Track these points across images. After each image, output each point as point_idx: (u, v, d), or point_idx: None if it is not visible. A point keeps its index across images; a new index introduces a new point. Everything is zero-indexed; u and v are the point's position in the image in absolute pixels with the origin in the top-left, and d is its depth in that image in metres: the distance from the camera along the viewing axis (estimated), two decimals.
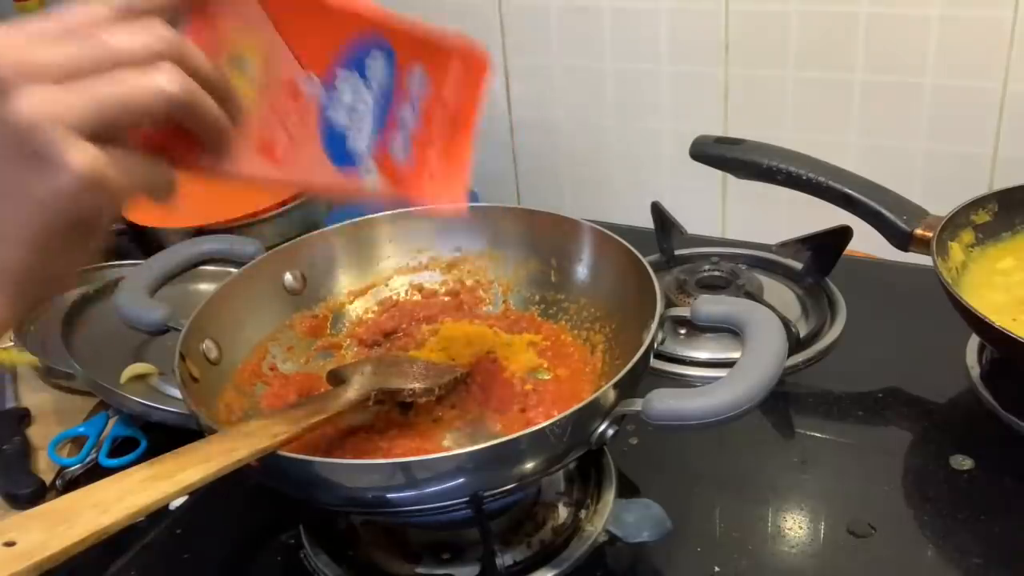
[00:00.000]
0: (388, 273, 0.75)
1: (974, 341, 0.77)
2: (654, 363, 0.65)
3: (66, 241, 0.41)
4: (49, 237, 0.40)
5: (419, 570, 0.61)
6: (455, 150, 0.55)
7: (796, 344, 0.78)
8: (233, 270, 0.70)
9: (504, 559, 0.60)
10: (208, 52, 0.41)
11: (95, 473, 0.75)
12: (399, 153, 0.52)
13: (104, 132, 0.39)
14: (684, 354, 0.80)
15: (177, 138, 0.42)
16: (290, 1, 0.45)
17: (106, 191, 0.39)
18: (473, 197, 1.08)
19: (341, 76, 0.48)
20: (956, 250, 0.76)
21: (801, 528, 0.63)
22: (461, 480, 0.50)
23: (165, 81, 0.39)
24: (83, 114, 0.38)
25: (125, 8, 0.40)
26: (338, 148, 0.49)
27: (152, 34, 0.39)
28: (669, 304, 0.82)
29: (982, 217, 0.78)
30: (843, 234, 0.84)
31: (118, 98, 0.38)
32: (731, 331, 0.57)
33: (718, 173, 0.92)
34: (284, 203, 1.09)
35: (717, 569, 0.60)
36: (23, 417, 0.82)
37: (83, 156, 0.38)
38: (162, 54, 0.39)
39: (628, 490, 0.66)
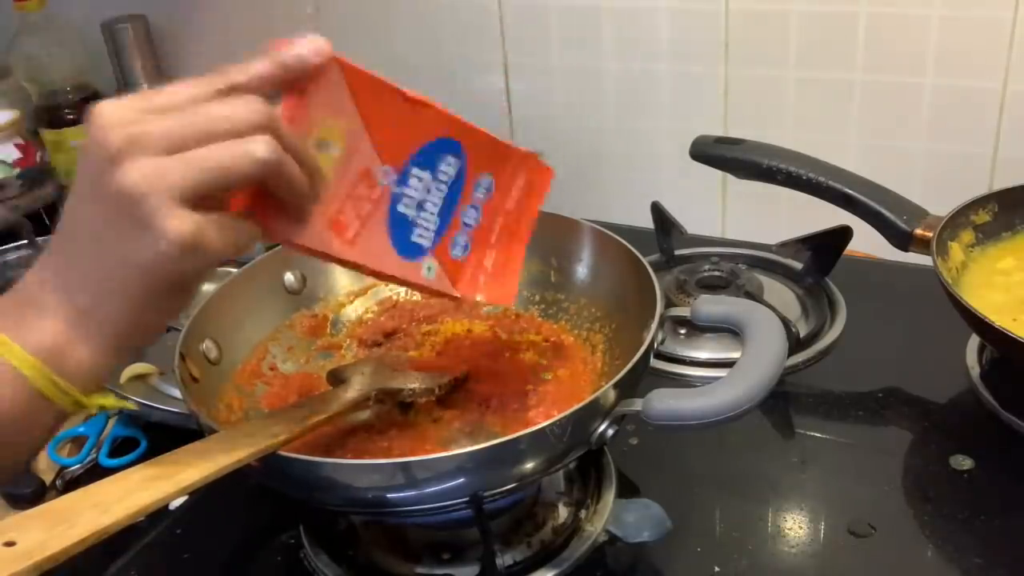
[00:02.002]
0: None
1: (974, 341, 0.77)
2: (654, 363, 0.65)
3: (160, 300, 0.45)
4: (150, 296, 0.44)
5: (419, 570, 0.61)
6: (509, 256, 0.60)
7: (796, 344, 0.78)
8: (233, 270, 0.70)
9: (504, 559, 0.60)
10: (297, 132, 0.45)
11: (95, 473, 0.75)
12: (458, 252, 0.57)
13: (204, 197, 0.42)
14: (684, 354, 0.80)
15: (263, 203, 0.45)
16: (379, 95, 0.49)
17: (203, 254, 0.42)
18: None
19: (415, 172, 0.52)
20: (956, 250, 0.76)
21: (801, 528, 0.63)
22: (461, 480, 0.50)
23: (262, 149, 0.42)
24: (185, 183, 0.41)
25: (227, 85, 0.44)
26: (403, 239, 0.53)
27: (250, 108, 0.43)
28: (669, 304, 0.82)
29: (982, 217, 0.78)
30: (843, 234, 0.84)
31: (218, 166, 0.42)
32: (731, 331, 0.57)
33: (718, 173, 0.92)
34: None
35: (717, 569, 0.60)
36: None
37: (183, 224, 0.41)
38: (259, 126, 0.42)
39: (628, 490, 0.66)
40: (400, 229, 0.53)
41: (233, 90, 0.44)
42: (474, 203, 0.57)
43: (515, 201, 0.59)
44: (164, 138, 0.41)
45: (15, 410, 0.44)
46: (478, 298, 0.59)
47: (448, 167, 0.54)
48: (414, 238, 0.54)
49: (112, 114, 0.42)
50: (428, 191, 0.53)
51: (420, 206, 0.53)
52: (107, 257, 0.43)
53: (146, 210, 0.41)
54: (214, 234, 0.42)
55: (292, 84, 0.45)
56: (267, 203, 0.45)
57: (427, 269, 0.55)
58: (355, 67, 0.47)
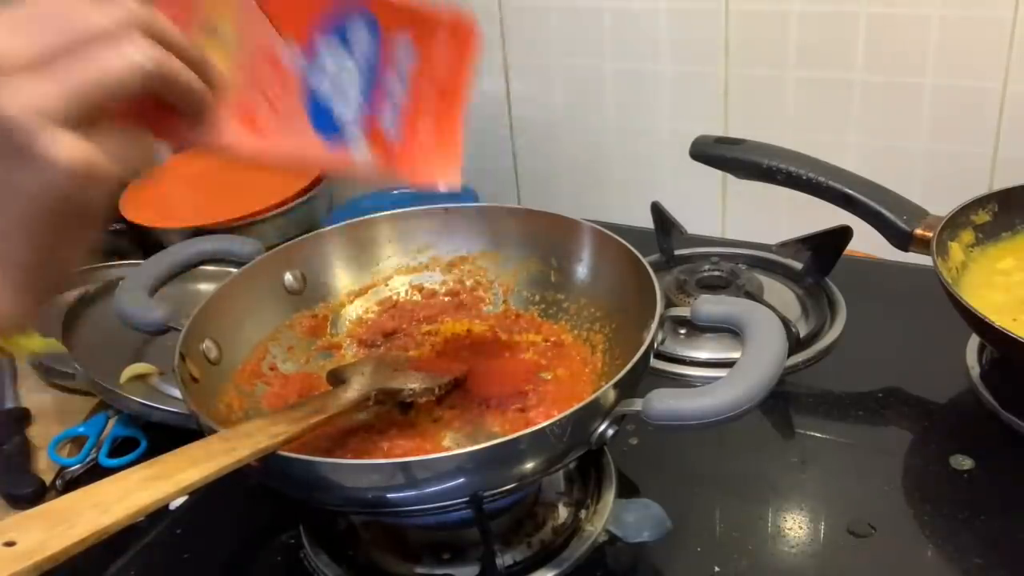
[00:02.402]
0: (388, 273, 0.75)
1: (974, 341, 0.77)
2: (654, 363, 0.65)
3: (64, 231, 0.41)
4: (46, 229, 0.40)
5: (419, 570, 0.61)
6: (446, 123, 0.53)
7: (796, 344, 0.78)
8: (233, 270, 0.70)
9: (504, 559, 0.60)
10: (179, 22, 0.41)
11: (95, 473, 0.75)
12: (388, 125, 0.51)
13: (85, 115, 0.38)
14: (684, 354, 0.80)
15: (157, 110, 0.41)
16: None
17: (95, 177, 0.39)
18: (473, 197, 1.08)
19: (322, 44, 0.47)
20: (956, 250, 0.76)
21: (801, 528, 0.63)
22: (461, 480, 0.50)
23: (137, 54, 0.39)
24: (61, 102, 0.37)
25: None
26: (324, 119, 0.48)
27: (120, 8, 0.39)
28: (669, 304, 0.82)
29: (982, 217, 0.78)
30: (843, 234, 0.84)
31: (93, 78, 0.38)
32: (731, 331, 0.57)
33: (718, 173, 0.92)
34: (284, 203, 1.10)
35: (717, 569, 0.60)
36: (23, 417, 0.82)
37: (67, 147, 0.37)
38: (131, 27, 0.39)
39: (628, 490, 0.66)
40: (320, 111, 0.48)
41: None
42: (398, 73, 0.51)
43: (442, 61, 0.52)
44: (29, 56, 0.37)
45: None
46: (418, 175, 0.53)
47: (361, 36, 0.48)
48: (336, 117, 0.48)
49: None
50: (340, 61, 0.48)
51: (336, 80, 0.48)
52: None
53: (24, 138, 0.37)
54: (102, 155, 0.38)
55: None
56: (163, 108, 0.41)
57: (356, 149, 0.50)
58: None
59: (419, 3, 0.51)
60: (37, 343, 0.46)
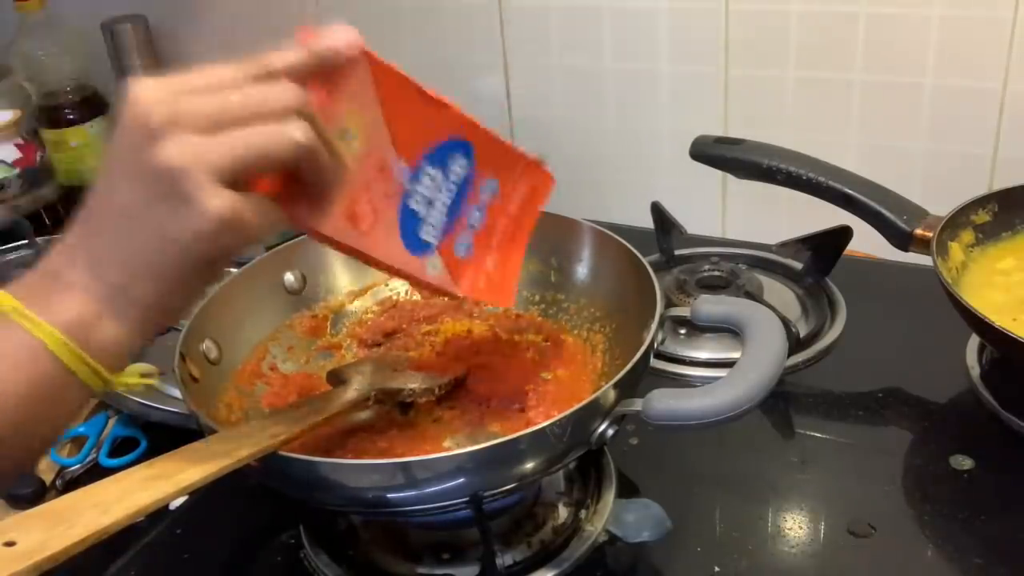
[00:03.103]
0: None
1: (974, 341, 0.77)
2: (654, 363, 0.65)
3: (193, 279, 0.45)
4: (183, 274, 0.44)
5: (419, 570, 0.61)
6: (509, 258, 0.61)
7: (796, 344, 0.78)
8: (233, 270, 0.70)
9: (504, 559, 0.60)
10: (325, 121, 0.45)
11: (95, 473, 0.75)
12: (462, 252, 0.57)
13: (241, 178, 0.42)
14: (684, 354, 0.80)
15: (287, 189, 0.45)
16: (401, 91, 0.49)
17: (239, 232, 0.42)
18: None
19: (427, 170, 0.53)
20: (956, 250, 0.76)
21: (801, 528, 0.63)
22: (461, 480, 0.50)
23: (299, 133, 0.43)
24: (223, 161, 0.42)
25: (262, 69, 0.44)
26: (411, 235, 0.53)
27: (287, 92, 0.43)
28: (669, 304, 0.82)
29: (982, 217, 0.78)
30: (843, 234, 0.84)
31: (258, 145, 0.42)
32: (731, 331, 0.57)
33: (718, 173, 0.92)
34: None
35: (717, 569, 0.60)
36: None
37: (222, 200, 0.41)
38: (295, 111, 0.43)
39: (628, 490, 0.66)
40: (410, 224, 0.53)
41: (268, 75, 0.44)
42: (479, 204, 0.57)
43: (517, 205, 0.60)
44: (204, 117, 0.42)
45: (42, 387, 0.44)
46: (479, 298, 0.59)
47: (459, 167, 0.55)
48: (422, 235, 0.54)
49: (152, 92, 0.42)
50: (439, 189, 0.54)
51: (430, 203, 0.54)
52: (142, 234, 0.43)
53: (186, 186, 0.41)
54: (250, 213, 0.42)
55: (322, 74, 0.45)
56: (291, 189, 0.45)
57: (432, 266, 0.55)
58: (381, 61, 0.48)
59: (514, 150, 0.58)
60: (135, 379, 0.48)
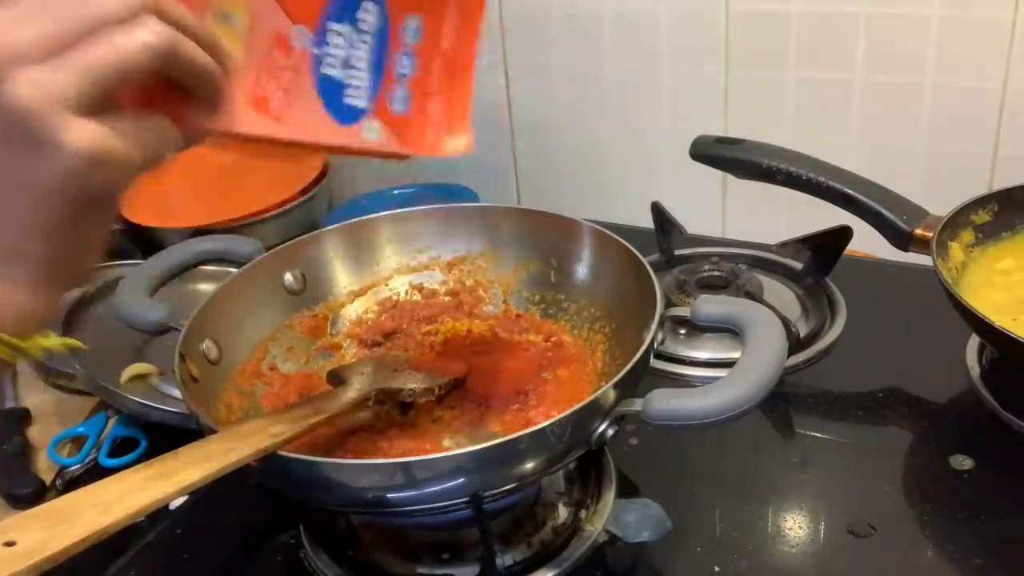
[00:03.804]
0: (388, 273, 0.75)
1: (974, 341, 0.77)
2: (654, 363, 0.65)
3: (81, 221, 0.40)
4: (64, 220, 0.40)
5: (419, 570, 0.61)
6: (456, 98, 0.54)
7: (796, 344, 0.78)
8: (233, 270, 0.70)
9: (504, 559, 0.60)
10: (191, 8, 0.41)
11: (95, 473, 0.75)
12: (399, 106, 0.51)
13: (99, 100, 0.38)
14: (684, 354, 0.80)
15: (173, 96, 0.41)
16: None
17: (113, 164, 0.38)
18: (473, 197, 1.08)
19: (332, 27, 0.48)
20: (956, 250, 0.76)
21: (801, 528, 0.63)
22: (461, 480, 0.50)
23: (147, 34, 0.38)
24: (70, 90, 0.37)
25: None
26: (337, 104, 0.48)
27: None
28: (669, 304, 0.82)
29: (982, 217, 0.78)
30: (843, 234, 0.84)
31: (105, 61, 0.38)
32: (731, 331, 0.57)
33: (718, 173, 0.92)
34: (284, 203, 1.10)
35: (717, 569, 0.60)
36: (23, 417, 0.82)
37: (84, 134, 0.37)
38: (143, 11, 0.39)
39: (628, 490, 0.66)
40: (332, 93, 0.48)
41: None
42: (405, 50, 0.51)
43: (451, 38, 0.53)
44: (40, 45, 0.37)
45: None
46: (430, 153, 0.53)
47: (369, 15, 0.49)
48: (348, 100, 0.49)
49: None
50: (352, 46, 0.49)
51: (347, 64, 0.49)
52: (7, 187, 0.39)
53: (39, 126, 0.37)
54: (119, 140, 0.38)
55: None
56: (175, 94, 0.41)
57: (368, 131, 0.50)
58: None
59: None
60: (54, 341, 0.45)
